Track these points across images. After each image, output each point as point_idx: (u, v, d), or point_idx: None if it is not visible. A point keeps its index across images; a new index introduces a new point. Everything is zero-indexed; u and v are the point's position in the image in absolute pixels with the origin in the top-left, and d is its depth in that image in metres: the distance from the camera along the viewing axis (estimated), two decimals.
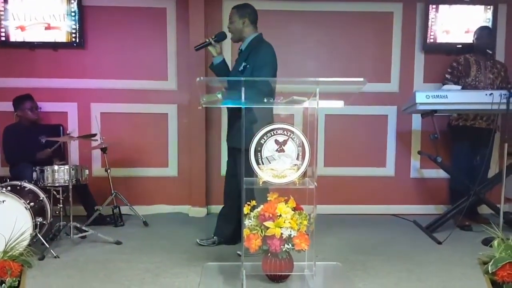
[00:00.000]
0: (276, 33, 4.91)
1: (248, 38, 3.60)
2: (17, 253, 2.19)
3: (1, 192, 3.37)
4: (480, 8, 4.89)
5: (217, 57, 3.66)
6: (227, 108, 3.66)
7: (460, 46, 4.85)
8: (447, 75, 4.49)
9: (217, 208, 4.94)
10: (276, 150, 2.78)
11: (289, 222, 2.72)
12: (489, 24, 4.81)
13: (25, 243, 2.56)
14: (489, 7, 4.87)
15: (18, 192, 3.53)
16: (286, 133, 2.79)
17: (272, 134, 2.78)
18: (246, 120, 2.87)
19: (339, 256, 3.51)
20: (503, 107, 3.72)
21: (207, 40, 3.63)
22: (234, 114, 3.48)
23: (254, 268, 2.90)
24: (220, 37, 3.65)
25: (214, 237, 3.79)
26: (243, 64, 3.50)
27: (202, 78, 2.92)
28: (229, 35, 3.68)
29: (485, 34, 4.45)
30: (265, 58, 3.44)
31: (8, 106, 4.61)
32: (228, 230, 3.71)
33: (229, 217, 3.67)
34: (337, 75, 4.62)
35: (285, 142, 2.79)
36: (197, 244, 3.79)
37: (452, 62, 4.51)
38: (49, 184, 3.91)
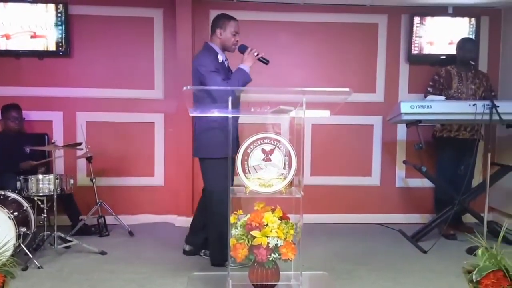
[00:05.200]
0: (263, 43, 4.94)
1: None
2: None
3: None
4: (463, 20, 4.97)
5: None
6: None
7: (444, 57, 4.92)
8: (429, 88, 4.53)
9: None
10: (263, 159, 2.79)
11: (275, 232, 2.72)
12: (472, 36, 4.89)
13: (8, 253, 2.54)
14: (472, 19, 4.96)
15: (2, 201, 3.49)
16: (272, 142, 2.80)
17: (259, 143, 2.79)
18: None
19: (326, 266, 3.51)
20: (486, 117, 3.78)
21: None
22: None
23: (241, 278, 2.88)
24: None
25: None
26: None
27: (189, 87, 2.92)
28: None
29: (468, 46, 4.50)
30: None
31: None
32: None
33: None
34: (324, 85, 4.64)
35: (271, 151, 2.80)
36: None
37: (433, 75, 4.56)
38: (33, 194, 3.88)
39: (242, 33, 4.86)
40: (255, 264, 2.79)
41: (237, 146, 3.06)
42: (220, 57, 3.53)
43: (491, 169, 3.92)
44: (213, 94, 3.25)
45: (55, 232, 3.71)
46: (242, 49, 3.51)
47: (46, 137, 4.77)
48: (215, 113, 3.19)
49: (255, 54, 3.45)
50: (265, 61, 3.49)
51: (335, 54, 5.05)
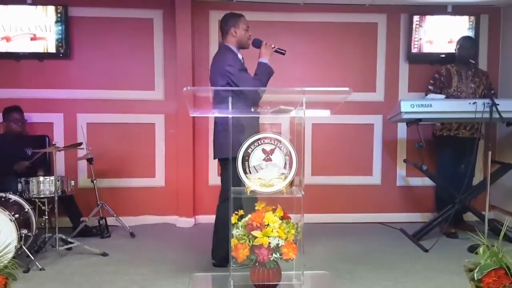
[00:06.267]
0: None
1: None
2: (1, 266, 2.16)
3: None
4: (462, 18, 4.97)
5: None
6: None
7: (444, 56, 4.92)
8: (429, 87, 4.53)
9: (204, 218, 4.95)
10: (264, 159, 2.79)
11: (276, 231, 2.72)
12: (472, 34, 4.89)
13: (10, 255, 2.54)
14: (471, 17, 4.96)
15: (3, 204, 3.49)
16: (273, 142, 2.80)
17: (259, 143, 2.79)
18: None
19: (327, 265, 3.52)
20: (486, 115, 3.78)
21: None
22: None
23: (242, 278, 2.88)
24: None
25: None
26: None
27: (189, 87, 2.92)
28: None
29: (468, 44, 4.51)
30: None
31: None
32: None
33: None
34: (323, 85, 4.64)
35: (272, 151, 2.80)
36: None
37: (434, 73, 4.57)
38: (34, 196, 3.88)
39: None
40: (257, 264, 2.79)
41: None
42: (240, 56, 3.53)
43: (491, 167, 3.92)
44: (245, 92, 3.19)
45: (57, 234, 3.71)
46: (257, 43, 3.51)
47: (47, 139, 4.77)
48: (216, 113, 3.19)
49: (272, 46, 3.48)
50: (282, 52, 3.52)
51: (334, 53, 5.05)
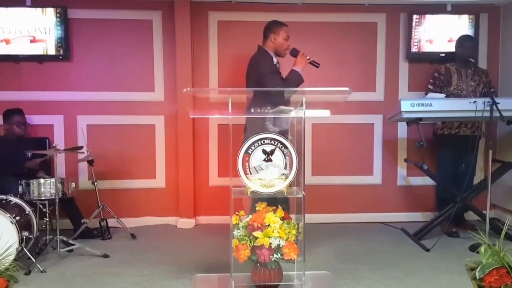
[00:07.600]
0: None
1: None
2: (3, 268, 2.16)
3: None
4: (462, 17, 4.97)
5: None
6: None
7: (444, 55, 4.91)
8: (429, 86, 4.53)
9: (205, 219, 4.95)
10: (264, 160, 2.79)
11: (277, 232, 2.72)
12: (471, 33, 4.89)
13: (11, 257, 2.53)
14: (471, 16, 4.96)
15: (4, 206, 3.49)
16: (273, 143, 2.80)
17: (260, 144, 2.79)
18: None
19: (328, 265, 3.52)
20: (487, 114, 3.78)
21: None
22: None
23: (244, 279, 2.89)
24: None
25: None
26: None
27: (189, 88, 2.92)
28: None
29: (467, 43, 4.51)
30: None
31: None
32: None
33: None
34: (323, 85, 4.63)
35: (272, 151, 2.80)
36: None
37: (433, 72, 4.56)
38: (35, 198, 3.87)
39: (241, 34, 4.92)
40: (258, 264, 2.79)
41: None
42: (275, 60, 3.76)
43: (492, 166, 3.92)
44: (271, 93, 3.36)
45: (58, 236, 3.72)
46: (294, 52, 3.80)
47: (47, 141, 4.77)
48: (216, 114, 3.20)
49: (308, 58, 3.75)
50: (316, 64, 3.81)
51: (334, 53, 5.04)
